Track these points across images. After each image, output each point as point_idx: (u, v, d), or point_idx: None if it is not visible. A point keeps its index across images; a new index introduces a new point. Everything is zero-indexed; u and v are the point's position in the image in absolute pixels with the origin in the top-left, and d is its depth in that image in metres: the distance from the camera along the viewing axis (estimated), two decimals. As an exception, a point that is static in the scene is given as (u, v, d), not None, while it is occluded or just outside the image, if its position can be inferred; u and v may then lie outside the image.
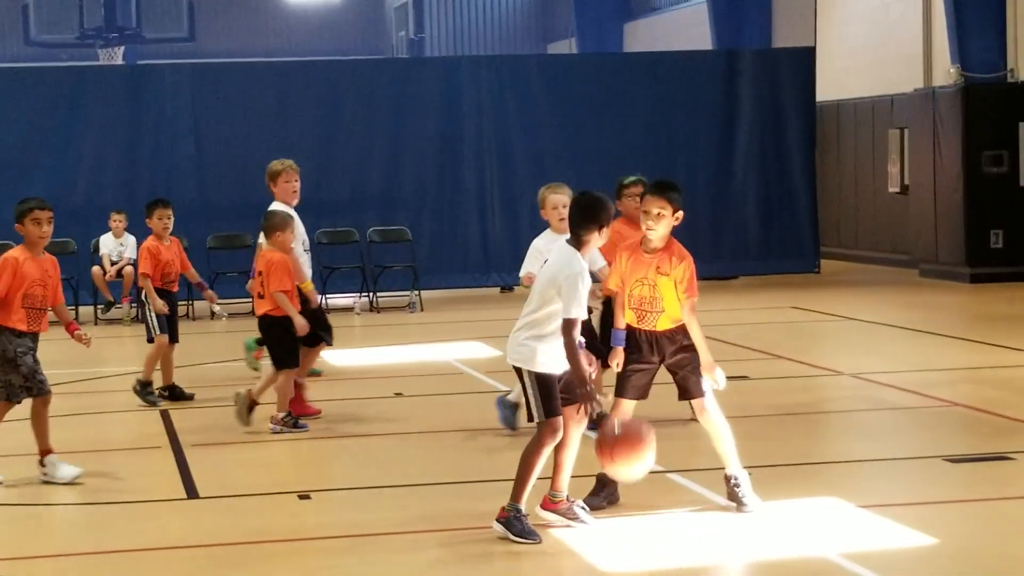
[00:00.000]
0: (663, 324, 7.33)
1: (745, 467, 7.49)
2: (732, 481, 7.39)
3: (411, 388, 11.82)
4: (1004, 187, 19.09)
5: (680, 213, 7.32)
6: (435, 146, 20.19)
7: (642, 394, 7.42)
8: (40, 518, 7.99)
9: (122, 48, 32.34)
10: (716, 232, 20.50)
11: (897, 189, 21.08)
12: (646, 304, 7.32)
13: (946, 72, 19.81)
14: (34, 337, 8.50)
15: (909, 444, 9.27)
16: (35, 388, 8.43)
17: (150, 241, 11.81)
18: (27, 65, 25.53)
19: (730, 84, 21.06)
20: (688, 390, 7.39)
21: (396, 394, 11.53)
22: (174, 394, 11.49)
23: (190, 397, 11.50)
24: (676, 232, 7.42)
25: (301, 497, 7.98)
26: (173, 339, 11.48)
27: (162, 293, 11.49)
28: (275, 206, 10.57)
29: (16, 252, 8.60)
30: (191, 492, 8.32)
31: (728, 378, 7.44)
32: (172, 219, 12.03)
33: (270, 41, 39.84)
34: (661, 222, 7.26)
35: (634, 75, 20.99)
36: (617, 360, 7.34)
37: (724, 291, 19.08)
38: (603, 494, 7.47)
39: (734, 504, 7.35)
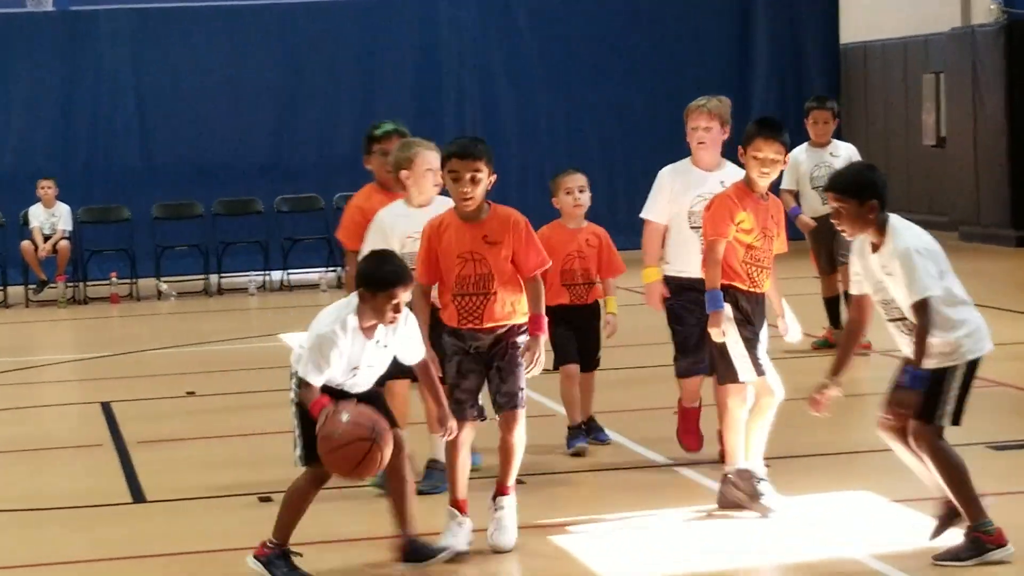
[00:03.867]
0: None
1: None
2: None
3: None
4: (1053, 138, 19.10)
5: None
6: (410, 101, 20.14)
7: None
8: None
9: (52, -8, 32.18)
10: (729, 193, 20.51)
11: (932, 142, 21.06)
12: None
13: (987, 8, 19.78)
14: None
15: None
16: None
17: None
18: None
19: (744, 26, 21.07)
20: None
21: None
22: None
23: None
24: None
25: (262, 499, 7.97)
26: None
27: None
28: None
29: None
30: (137, 495, 8.32)
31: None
32: None
33: (221, -17, 39.69)
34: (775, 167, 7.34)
35: (636, 17, 20.96)
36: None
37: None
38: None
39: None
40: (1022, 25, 19.24)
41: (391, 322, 6.41)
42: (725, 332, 7.26)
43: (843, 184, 6.41)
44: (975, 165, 19.85)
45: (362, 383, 6.57)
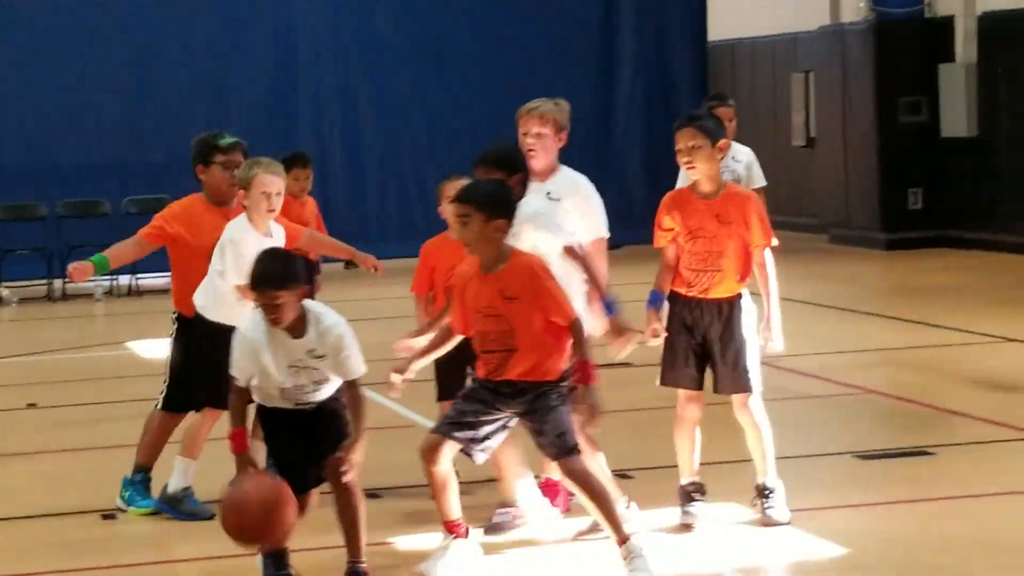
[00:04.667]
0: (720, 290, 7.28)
1: (629, 470, 7.52)
2: (765, 492, 7.35)
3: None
4: (923, 139, 19.39)
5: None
6: (265, 95, 20.07)
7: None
8: None
9: None
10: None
11: (802, 142, 21.34)
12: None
13: (856, 6, 20.07)
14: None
15: (815, 439, 9.38)
16: None
17: None
18: None
19: (608, 23, 21.17)
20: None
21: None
22: None
23: None
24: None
25: (105, 517, 7.88)
26: None
27: None
28: None
29: None
30: (-29, 514, 8.21)
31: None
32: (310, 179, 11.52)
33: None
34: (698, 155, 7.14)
35: (498, 13, 20.99)
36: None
37: (605, 263, 19.12)
38: None
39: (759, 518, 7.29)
40: (891, 24, 19.55)
41: (273, 324, 6.17)
42: (656, 332, 7.19)
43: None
44: (845, 166, 20.13)
45: (309, 391, 6.30)
